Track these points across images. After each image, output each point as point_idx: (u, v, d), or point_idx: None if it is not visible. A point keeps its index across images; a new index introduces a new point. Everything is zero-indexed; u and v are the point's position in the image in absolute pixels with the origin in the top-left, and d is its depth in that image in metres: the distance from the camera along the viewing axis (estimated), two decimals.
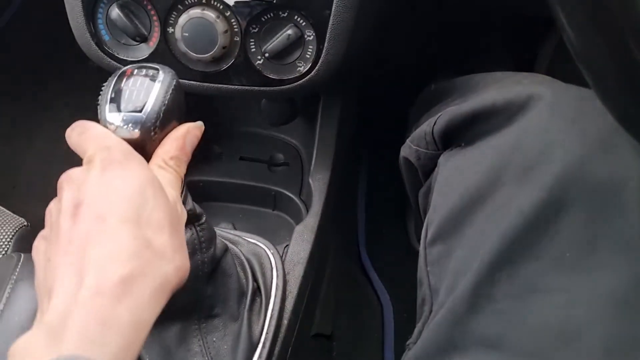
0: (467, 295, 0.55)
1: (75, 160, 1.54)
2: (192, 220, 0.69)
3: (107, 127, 0.58)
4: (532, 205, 0.53)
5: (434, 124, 0.71)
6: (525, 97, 0.61)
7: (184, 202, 0.68)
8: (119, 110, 0.58)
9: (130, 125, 0.57)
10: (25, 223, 0.83)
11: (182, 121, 0.63)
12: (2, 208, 0.84)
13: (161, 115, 0.58)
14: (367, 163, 1.54)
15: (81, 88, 1.65)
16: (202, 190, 1.07)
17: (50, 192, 1.43)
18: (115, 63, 0.83)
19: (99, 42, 0.82)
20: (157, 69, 0.61)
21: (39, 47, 1.72)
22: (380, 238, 1.43)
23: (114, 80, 0.60)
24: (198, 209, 0.70)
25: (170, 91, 0.60)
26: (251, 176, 1.08)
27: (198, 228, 0.70)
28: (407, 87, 1.45)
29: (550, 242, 0.52)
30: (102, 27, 0.81)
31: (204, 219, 0.71)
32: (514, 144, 0.58)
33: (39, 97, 1.65)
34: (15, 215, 0.83)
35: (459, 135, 0.70)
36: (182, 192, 0.67)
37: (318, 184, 0.99)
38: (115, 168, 0.50)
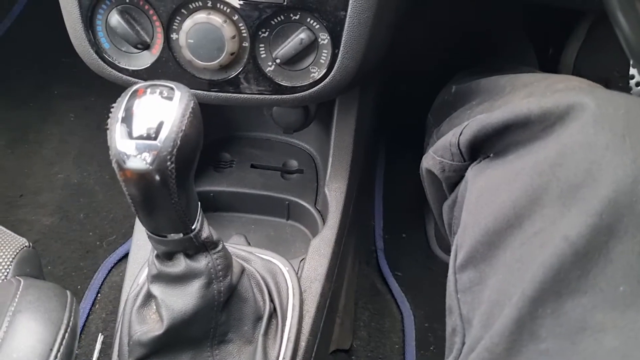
0: (507, 333, 0.49)
1: (81, 164, 1.50)
2: (208, 247, 0.64)
3: (118, 157, 0.52)
4: (580, 232, 0.47)
5: (460, 134, 0.65)
6: (565, 107, 0.54)
7: (201, 229, 0.63)
8: (130, 136, 0.51)
9: (144, 154, 0.51)
10: (27, 244, 0.79)
11: (201, 148, 0.56)
12: (2, 228, 0.79)
13: (178, 142, 0.52)
14: (383, 163, 1.48)
15: (86, 90, 1.61)
16: (213, 200, 1.02)
17: (57, 201, 1.40)
18: (116, 72, 0.77)
19: (99, 51, 0.76)
20: (172, 88, 0.54)
21: (42, 50, 1.68)
22: (399, 242, 1.38)
23: (125, 101, 0.53)
24: (215, 236, 0.65)
25: (188, 114, 0.52)
26: (263, 185, 1.02)
27: (215, 256, 0.65)
28: (425, 86, 1.40)
29: (601, 274, 0.46)
30: (102, 34, 0.76)
31: (220, 245, 0.66)
32: (554, 161, 0.52)
33: (44, 100, 1.61)
34: (16, 236, 0.79)
35: (487, 146, 0.64)
36: (198, 219, 0.62)
37: (335, 193, 0.94)
38: None
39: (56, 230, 1.35)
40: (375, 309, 1.24)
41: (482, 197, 0.60)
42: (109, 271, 1.28)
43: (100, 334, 1.16)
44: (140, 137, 0.52)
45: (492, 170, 0.61)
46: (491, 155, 0.64)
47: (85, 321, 1.20)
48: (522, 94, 0.70)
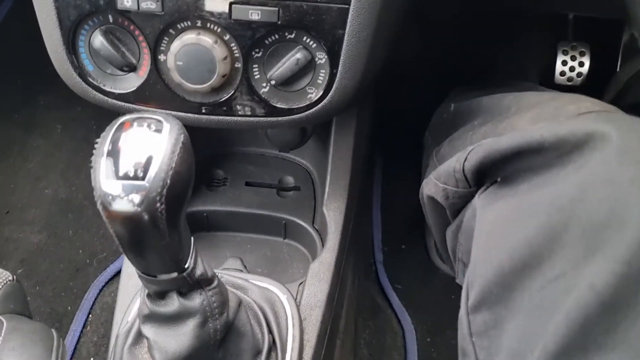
0: None
1: (69, 178, 1.45)
2: (202, 285, 0.60)
3: (103, 199, 0.48)
4: (607, 281, 0.43)
5: (465, 159, 0.61)
6: (583, 136, 0.50)
7: (194, 266, 0.59)
8: (116, 176, 0.47)
9: (131, 195, 0.47)
10: (11, 277, 0.74)
11: (193, 184, 0.52)
12: None
13: (168, 181, 0.47)
14: (380, 174, 1.44)
15: (72, 100, 1.56)
16: (207, 220, 0.98)
17: (45, 217, 1.35)
18: (101, 96, 0.73)
19: (82, 74, 0.72)
20: (160, 121, 0.49)
21: (25, 58, 1.63)
22: (398, 254, 1.34)
23: (109, 135, 0.49)
24: (210, 272, 0.61)
25: (178, 150, 0.48)
26: (259, 203, 0.98)
27: (210, 293, 0.61)
28: (421, 94, 1.36)
29: (631, 328, 0.42)
30: (85, 56, 0.71)
31: (215, 282, 0.62)
32: (574, 196, 0.48)
33: (28, 111, 1.56)
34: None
35: (494, 171, 0.60)
36: (191, 256, 0.58)
37: (333, 213, 0.90)
38: None
39: (44, 248, 1.31)
40: (375, 326, 1.21)
41: (494, 232, 0.55)
42: (100, 291, 1.24)
43: (92, 359, 1.12)
44: (127, 177, 0.48)
45: (504, 202, 0.56)
46: (498, 180, 0.60)
47: (77, 344, 1.16)
48: (528, 116, 0.66)
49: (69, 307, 1.22)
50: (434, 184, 0.68)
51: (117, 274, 1.25)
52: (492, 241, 0.55)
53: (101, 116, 1.50)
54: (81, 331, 1.18)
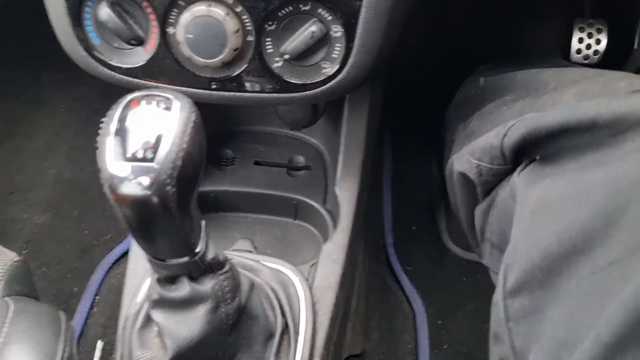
0: None
1: (74, 158, 1.43)
2: (214, 269, 0.58)
3: (110, 181, 0.45)
4: None
5: (505, 135, 0.58)
6: None
7: (206, 250, 0.56)
8: (124, 157, 0.45)
9: (140, 178, 0.45)
10: (17, 258, 0.72)
11: (205, 165, 0.49)
12: None
13: (179, 163, 0.45)
14: (390, 153, 1.41)
15: (76, 79, 1.53)
16: (215, 201, 0.96)
17: (50, 198, 1.33)
18: (108, 71, 0.71)
19: (88, 48, 0.69)
20: (169, 98, 0.47)
21: (28, 37, 1.60)
22: (409, 236, 1.32)
23: (117, 114, 0.46)
24: (222, 256, 0.59)
25: (189, 129, 0.46)
26: (269, 183, 0.96)
27: (222, 277, 0.59)
28: (433, 71, 1.33)
29: None
30: (91, 29, 0.68)
31: (227, 266, 0.60)
32: (634, 178, 0.45)
33: (32, 91, 1.53)
34: (4, 250, 0.72)
35: (535, 149, 0.57)
36: (203, 240, 0.56)
37: (346, 194, 0.87)
38: None
39: (49, 229, 1.29)
40: (386, 308, 1.19)
41: (540, 213, 0.52)
42: (107, 272, 1.22)
43: (99, 341, 1.10)
44: (135, 158, 0.45)
45: (551, 181, 0.53)
46: (537, 158, 0.57)
47: (84, 326, 1.14)
48: (572, 92, 0.62)
49: (75, 289, 1.20)
50: (467, 160, 0.65)
51: (124, 255, 1.24)
52: (537, 222, 0.52)
53: (106, 95, 1.48)
54: (88, 313, 1.16)
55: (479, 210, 0.68)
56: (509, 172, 0.61)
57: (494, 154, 0.60)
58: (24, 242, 1.26)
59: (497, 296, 0.54)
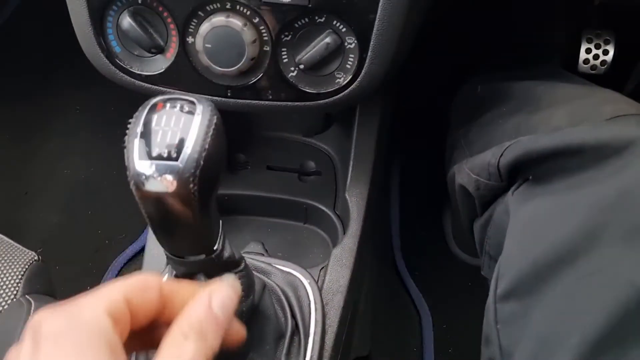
0: None
1: (88, 159, 1.45)
2: (230, 267, 0.60)
3: (136, 179, 0.48)
4: None
5: (501, 155, 0.62)
6: (624, 142, 0.52)
7: (223, 249, 0.59)
8: (149, 156, 0.47)
9: (164, 176, 0.47)
10: (36, 257, 0.75)
11: (225, 166, 0.52)
12: (10, 241, 0.76)
13: (202, 162, 0.47)
14: (399, 159, 1.43)
15: (91, 81, 1.55)
16: (227, 204, 0.98)
17: (64, 199, 1.36)
18: (128, 78, 0.73)
19: (110, 55, 0.72)
20: (193, 102, 0.49)
21: (45, 41, 1.63)
22: (416, 240, 1.34)
23: (142, 116, 0.49)
24: (237, 255, 0.61)
25: (212, 131, 0.48)
26: (280, 188, 0.98)
27: (237, 275, 0.61)
28: (440, 70, 1.35)
29: None
30: (113, 37, 0.71)
31: (242, 265, 0.62)
32: (616, 199, 0.49)
33: (47, 93, 1.56)
34: (24, 249, 0.75)
35: (528, 169, 0.61)
36: (220, 239, 0.58)
37: (356, 199, 0.89)
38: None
39: (63, 229, 1.32)
40: (392, 311, 1.21)
41: (530, 227, 0.56)
42: (119, 272, 1.25)
43: None
44: (160, 157, 0.48)
45: (541, 199, 0.57)
46: (530, 178, 0.61)
47: None
48: (563, 112, 0.66)
49: (88, 288, 1.22)
50: (467, 174, 0.69)
51: (136, 255, 1.26)
52: (527, 236, 0.56)
53: (120, 98, 1.51)
54: None
55: (477, 225, 0.71)
56: (504, 189, 0.65)
57: (491, 171, 0.64)
58: (39, 242, 1.29)
59: (489, 300, 0.58)
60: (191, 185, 0.48)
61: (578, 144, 0.53)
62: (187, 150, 0.48)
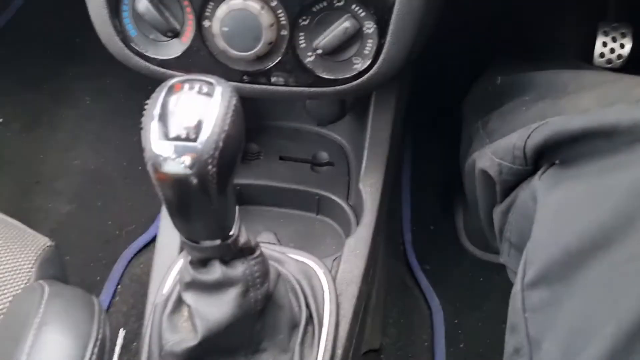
0: None
1: (98, 149, 1.45)
2: (245, 253, 0.60)
3: (154, 160, 0.47)
4: None
5: (528, 137, 0.60)
6: None
7: (239, 235, 0.58)
8: (167, 137, 0.46)
9: (183, 157, 0.46)
10: (49, 243, 0.74)
11: (243, 149, 0.51)
12: (24, 226, 0.75)
13: (220, 144, 0.46)
14: (410, 151, 1.42)
15: (101, 71, 1.55)
16: (240, 194, 0.97)
17: (74, 188, 1.35)
18: (143, 62, 0.72)
19: (125, 39, 0.71)
20: (212, 83, 0.48)
21: (54, 30, 1.62)
22: (427, 234, 1.33)
23: (160, 97, 0.48)
24: (253, 242, 0.60)
25: (231, 112, 0.47)
26: (293, 178, 0.97)
27: (252, 262, 0.60)
28: (454, 67, 1.33)
29: None
30: (128, 21, 0.70)
31: (258, 252, 0.61)
32: None
33: (57, 83, 1.56)
34: (37, 234, 0.74)
35: (556, 152, 0.59)
36: (236, 224, 0.58)
37: (370, 190, 0.88)
38: None
39: (73, 218, 1.31)
40: (403, 305, 1.20)
41: (561, 212, 0.54)
42: (129, 262, 1.24)
43: (121, 329, 1.12)
44: (179, 138, 0.47)
45: (572, 183, 0.55)
46: (557, 162, 0.59)
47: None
48: (591, 96, 0.64)
49: (98, 278, 1.22)
50: (490, 158, 0.67)
51: (146, 245, 1.26)
52: (558, 222, 0.54)
53: (130, 88, 1.51)
54: (110, 302, 1.18)
55: (498, 211, 0.69)
56: (528, 173, 0.63)
57: (516, 154, 0.62)
58: (49, 231, 1.28)
59: (516, 288, 0.56)
60: (210, 167, 0.47)
61: (612, 124, 0.51)
62: (206, 131, 0.47)
